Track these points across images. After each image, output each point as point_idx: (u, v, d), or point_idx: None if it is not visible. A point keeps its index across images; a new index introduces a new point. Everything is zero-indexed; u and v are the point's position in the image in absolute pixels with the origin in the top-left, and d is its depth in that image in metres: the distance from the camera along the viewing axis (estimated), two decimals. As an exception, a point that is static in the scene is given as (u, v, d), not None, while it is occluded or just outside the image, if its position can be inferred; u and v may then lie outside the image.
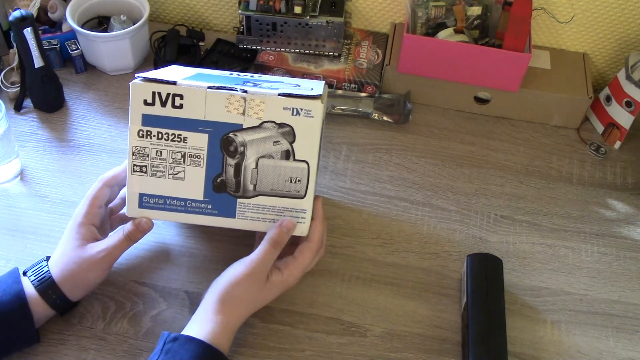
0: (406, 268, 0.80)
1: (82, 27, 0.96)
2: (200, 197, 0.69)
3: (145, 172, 0.69)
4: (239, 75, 0.78)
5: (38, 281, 0.67)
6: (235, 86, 0.68)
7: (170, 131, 0.68)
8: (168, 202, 0.70)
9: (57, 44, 0.98)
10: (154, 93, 0.67)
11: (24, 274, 0.69)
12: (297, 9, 0.95)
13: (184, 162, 0.68)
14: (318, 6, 0.97)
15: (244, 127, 0.67)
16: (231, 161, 0.68)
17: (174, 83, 0.67)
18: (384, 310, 0.76)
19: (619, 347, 0.74)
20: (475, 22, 0.94)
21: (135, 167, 0.69)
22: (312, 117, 0.67)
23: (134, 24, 0.96)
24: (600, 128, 0.97)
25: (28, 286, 0.67)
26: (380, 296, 0.77)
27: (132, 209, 0.70)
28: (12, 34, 0.91)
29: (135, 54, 0.99)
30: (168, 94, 0.67)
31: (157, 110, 0.67)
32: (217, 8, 1.08)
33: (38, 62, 0.89)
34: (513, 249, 0.83)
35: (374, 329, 0.74)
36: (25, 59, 0.89)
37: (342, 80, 0.98)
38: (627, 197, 0.90)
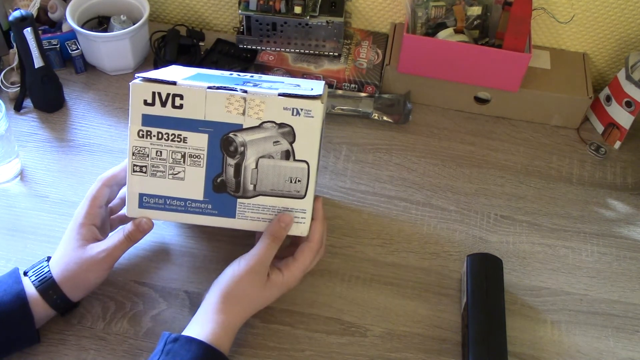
0: (406, 268, 0.80)
1: (82, 27, 0.96)
2: (200, 197, 0.69)
3: (145, 172, 0.69)
4: (238, 75, 0.78)
5: (39, 281, 0.67)
6: (235, 86, 0.68)
7: (170, 131, 0.68)
8: (168, 202, 0.70)
9: (57, 44, 0.98)
10: (154, 93, 0.67)
11: (25, 274, 0.69)
12: (297, 9, 0.95)
13: (184, 162, 0.68)
14: (318, 6, 0.97)
15: (244, 127, 0.67)
16: (231, 161, 0.68)
17: (174, 83, 0.67)
18: (384, 310, 0.76)
19: (619, 347, 0.74)
20: (475, 22, 0.94)
21: (135, 167, 0.69)
22: (312, 117, 0.67)
23: (134, 24, 0.96)
24: (600, 128, 0.97)
25: (29, 286, 0.67)
26: (380, 296, 0.77)
27: (132, 209, 0.70)
28: (12, 34, 0.91)
29: (135, 54, 0.99)
30: (168, 94, 0.67)
31: (157, 110, 0.67)
32: (217, 8, 1.08)
33: (38, 62, 0.89)
34: (513, 249, 0.83)
35: (374, 329, 0.74)
36: (25, 59, 0.89)
37: (342, 80, 0.98)
38: (627, 197, 0.90)
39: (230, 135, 0.68)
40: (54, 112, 0.95)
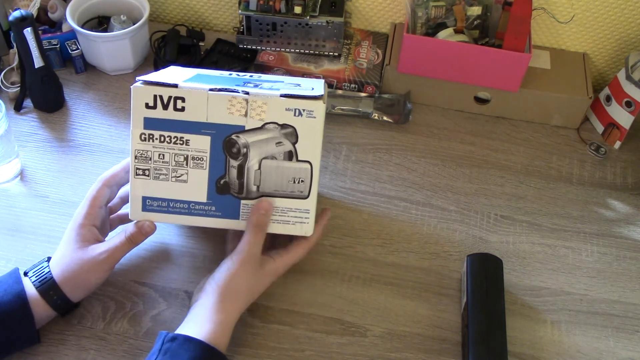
0: (406, 268, 0.80)
1: (82, 27, 0.96)
2: (204, 199, 0.69)
3: (148, 175, 0.69)
4: (238, 75, 0.78)
5: (39, 282, 0.67)
6: (236, 87, 0.68)
7: (173, 134, 0.68)
8: (171, 205, 0.70)
9: (57, 44, 0.98)
10: (155, 96, 0.67)
11: (25, 274, 0.69)
12: (297, 9, 0.95)
13: (186, 164, 0.68)
14: (318, 6, 0.97)
15: (247, 128, 0.67)
16: (234, 163, 0.68)
17: (176, 86, 0.67)
18: (384, 310, 0.76)
19: (619, 347, 0.74)
20: (475, 22, 0.94)
21: (137, 171, 0.69)
22: (315, 117, 0.67)
23: (134, 24, 0.96)
24: (600, 128, 0.97)
25: (29, 286, 0.67)
26: (380, 296, 0.77)
27: (135, 212, 0.70)
28: (12, 34, 0.91)
29: (135, 54, 0.99)
30: (170, 97, 0.67)
31: (159, 113, 0.67)
32: (217, 8, 1.08)
33: (38, 62, 0.89)
34: (513, 249, 0.83)
35: (374, 329, 0.74)
36: (25, 59, 0.89)
37: (342, 80, 0.98)
38: (627, 197, 0.90)
39: (233, 137, 0.68)
40: (54, 112, 0.95)
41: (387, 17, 1.05)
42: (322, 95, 0.67)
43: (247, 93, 0.67)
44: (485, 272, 0.74)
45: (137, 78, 0.68)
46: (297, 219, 0.70)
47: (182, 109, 0.67)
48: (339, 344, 0.72)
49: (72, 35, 0.98)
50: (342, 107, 0.96)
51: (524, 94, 0.95)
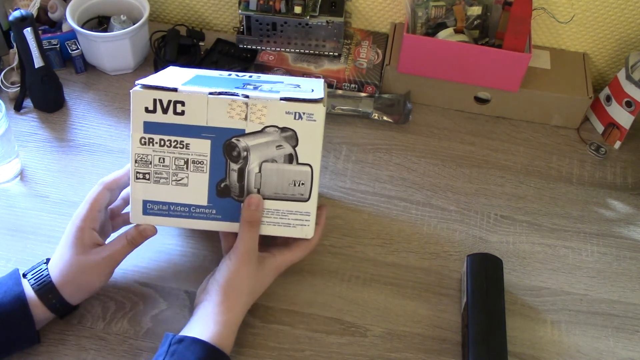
0: (406, 268, 0.80)
1: (82, 27, 0.96)
2: (205, 203, 0.69)
3: (148, 179, 0.69)
4: (237, 76, 0.78)
5: (38, 285, 0.67)
6: (236, 90, 0.68)
7: (173, 138, 0.67)
8: (172, 208, 0.70)
9: (57, 44, 0.98)
10: (155, 100, 0.66)
11: (24, 276, 0.69)
12: (297, 9, 0.95)
13: (187, 168, 0.68)
14: (318, 6, 0.97)
15: (247, 132, 0.67)
16: (234, 166, 0.68)
17: (175, 90, 0.66)
18: (384, 310, 0.76)
19: (619, 347, 0.74)
20: (475, 22, 0.94)
21: (138, 175, 0.69)
22: (315, 120, 0.67)
23: (134, 24, 0.96)
24: (600, 128, 0.97)
25: (28, 289, 0.67)
26: (380, 296, 0.77)
27: (136, 215, 0.70)
28: (12, 34, 0.91)
29: (135, 54, 0.99)
30: (169, 101, 0.66)
31: (158, 117, 0.67)
32: (217, 8, 1.08)
33: (38, 62, 0.89)
34: (513, 249, 0.83)
35: (374, 329, 0.74)
36: (25, 59, 0.89)
37: (342, 80, 0.98)
38: (627, 197, 0.90)
39: (233, 140, 0.67)
40: (54, 112, 0.95)
41: (387, 17, 1.05)
42: (322, 98, 0.67)
43: (247, 96, 0.67)
44: (485, 272, 0.74)
45: (137, 82, 0.68)
46: (297, 221, 0.70)
47: (182, 113, 0.67)
48: (339, 344, 0.72)
49: (72, 35, 0.98)
50: (342, 107, 0.96)
51: (524, 94, 0.95)
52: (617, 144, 0.96)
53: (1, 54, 1.00)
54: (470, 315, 0.71)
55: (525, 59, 0.90)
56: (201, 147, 0.68)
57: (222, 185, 0.69)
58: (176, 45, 1.00)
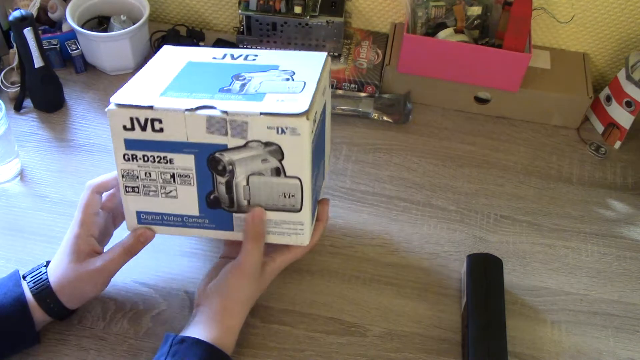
0: (406, 268, 0.80)
1: (82, 27, 0.96)
2: (196, 213, 0.68)
3: (138, 192, 0.67)
4: (232, 58, 0.74)
5: (36, 288, 0.66)
6: (215, 101, 0.64)
7: (155, 154, 0.65)
8: (165, 218, 0.68)
9: (57, 44, 0.98)
10: (131, 118, 0.63)
11: (23, 277, 0.68)
12: (297, 9, 0.95)
13: (174, 181, 0.66)
14: (318, 6, 0.97)
15: (229, 147, 0.64)
16: (221, 179, 0.66)
17: (151, 107, 0.63)
18: (384, 310, 0.76)
19: (619, 347, 0.74)
20: (475, 22, 0.94)
21: (127, 188, 0.67)
22: (299, 134, 0.62)
23: (134, 24, 0.96)
24: (600, 128, 0.97)
25: (27, 291, 0.67)
26: (380, 296, 0.77)
27: (131, 225, 0.69)
28: (12, 34, 0.91)
29: (135, 54, 0.99)
30: (146, 119, 0.63)
31: (138, 134, 0.64)
32: (217, 8, 1.08)
33: (38, 62, 0.89)
34: (513, 249, 0.83)
35: (374, 329, 0.74)
36: (25, 59, 0.89)
37: (342, 80, 0.98)
38: (627, 197, 0.90)
39: (217, 155, 0.64)
40: (54, 112, 0.95)
41: (387, 17, 1.05)
42: (306, 111, 0.62)
43: (226, 112, 0.62)
44: (485, 272, 0.74)
45: (110, 100, 0.64)
46: (291, 230, 0.69)
47: (161, 130, 0.63)
48: (339, 344, 0.72)
49: (72, 35, 0.98)
50: (342, 107, 0.96)
51: (524, 94, 0.95)
52: (617, 144, 0.96)
53: (1, 54, 1.00)
54: (470, 315, 0.71)
55: (525, 59, 0.90)
56: (185, 162, 0.65)
57: (212, 197, 0.67)
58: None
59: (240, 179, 0.65)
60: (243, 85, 0.67)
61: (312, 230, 0.70)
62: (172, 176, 0.66)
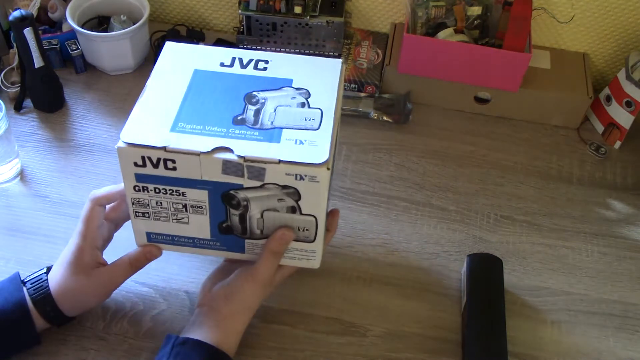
0: (406, 268, 0.80)
1: (82, 27, 0.96)
2: (208, 237, 0.68)
3: (148, 217, 0.66)
4: (242, 68, 0.68)
5: (36, 294, 0.66)
6: (232, 139, 0.60)
7: (168, 187, 0.63)
8: (176, 239, 0.68)
9: (57, 44, 0.98)
10: (143, 157, 0.60)
11: (24, 283, 0.68)
12: (297, 9, 0.95)
13: (186, 210, 0.65)
14: (318, 6, 0.97)
15: (245, 186, 0.62)
16: (235, 212, 0.65)
17: (164, 148, 0.60)
18: (384, 310, 0.76)
19: (619, 347, 0.74)
20: (475, 22, 0.94)
21: (137, 214, 0.66)
22: (318, 181, 0.61)
23: (134, 24, 0.96)
24: (600, 128, 0.97)
25: (27, 296, 0.66)
26: (380, 296, 0.77)
27: (140, 242, 0.69)
28: (12, 34, 0.91)
29: (135, 54, 0.99)
30: (159, 159, 0.61)
31: (149, 170, 0.62)
32: (217, 8, 1.08)
33: (38, 62, 0.89)
34: (513, 249, 0.83)
35: (374, 329, 0.74)
36: (25, 59, 0.89)
37: (342, 80, 0.98)
38: (627, 197, 0.90)
39: (232, 192, 0.63)
40: (54, 112, 0.95)
41: (387, 17, 1.05)
42: (326, 160, 0.60)
43: (243, 157, 0.59)
44: (485, 272, 0.74)
45: (121, 136, 0.60)
46: (303, 256, 0.69)
47: (174, 169, 0.61)
48: (339, 344, 0.72)
49: (72, 35, 0.98)
50: (342, 107, 0.96)
51: (524, 94, 0.95)
52: (617, 144, 0.96)
53: (1, 54, 0.99)
54: (470, 315, 0.71)
55: (525, 59, 0.90)
56: (198, 196, 0.64)
57: (224, 225, 0.66)
58: (176, 45, 1.00)
59: (254, 212, 0.64)
60: (257, 112, 0.63)
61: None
62: (184, 206, 0.65)
